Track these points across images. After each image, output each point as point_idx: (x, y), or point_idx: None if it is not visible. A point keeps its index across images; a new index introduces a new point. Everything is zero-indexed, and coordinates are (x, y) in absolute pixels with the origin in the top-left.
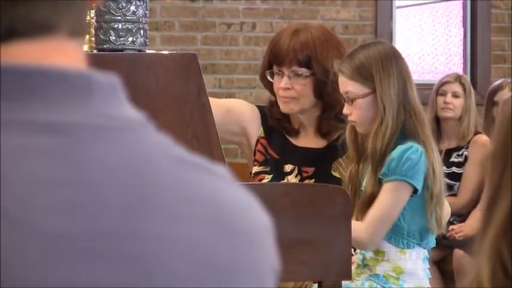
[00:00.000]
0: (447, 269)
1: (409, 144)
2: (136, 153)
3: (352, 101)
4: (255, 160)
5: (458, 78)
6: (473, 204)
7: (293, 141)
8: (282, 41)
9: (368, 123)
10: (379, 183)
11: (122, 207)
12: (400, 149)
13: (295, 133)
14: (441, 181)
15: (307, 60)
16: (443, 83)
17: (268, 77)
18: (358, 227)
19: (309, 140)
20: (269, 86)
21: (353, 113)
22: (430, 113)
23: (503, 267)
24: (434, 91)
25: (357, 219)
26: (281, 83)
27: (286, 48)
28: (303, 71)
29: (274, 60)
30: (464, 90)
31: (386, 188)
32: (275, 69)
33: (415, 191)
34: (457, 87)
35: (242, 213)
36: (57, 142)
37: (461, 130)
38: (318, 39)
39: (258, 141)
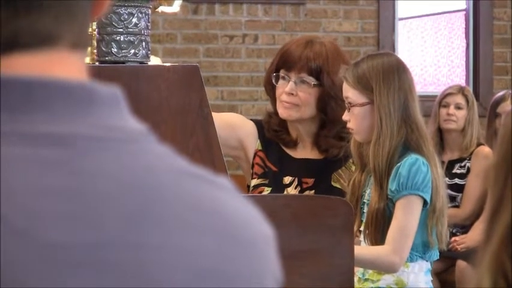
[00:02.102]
0: (448, 280)
1: (414, 157)
2: (138, 164)
3: (350, 107)
4: (253, 173)
5: (461, 90)
6: (475, 215)
7: (291, 153)
8: (295, 48)
9: (365, 132)
10: (385, 198)
11: (123, 218)
12: (406, 163)
13: (293, 144)
14: (443, 197)
15: (318, 70)
16: (446, 95)
17: (273, 80)
18: (384, 252)
19: (306, 152)
20: (271, 92)
21: (351, 119)
22: (433, 124)
23: (505, 277)
24: (437, 103)
25: (365, 234)
26: (286, 87)
27: (299, 55)
28: (311, 79)
29: (284, 64)
30: (467, 101)
31: (401, 204)
32: (282, 73)
33: (424, 204)
34: (459, 99)
35: (244, 223)
36: (59, 153)
37: (464, 142)
38: (331, 53)
39: (255, 154)
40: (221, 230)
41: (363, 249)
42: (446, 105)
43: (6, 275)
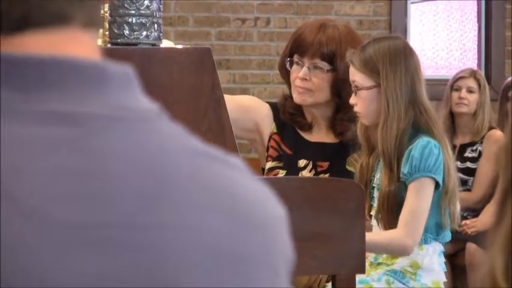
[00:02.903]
0: (458, 263)
1: (425, 139)
2: (151, 144)
3: (357, 91)
4: (268, 156)
5: (473, 74)
6: (486, 199)
7: (306, 136)
8: (308, 32)
9: (372, 115)
10: (395, 181)
11: (136, 197)
12: (418, 145)
13: (309, 128)
14: (454, 178)
15: (331, 55)
16: (458, 79)
17: (287, 65)
18: (397, 235)
19: (322, 135)
20: (286, 76)
21: (358, 103)
22: (445, 108)
23: None
24: (449, 86)
25: (377, 218)
26: (300, 73)
27: (311, 40)
28: (324, 64)
29: (297, 49)
30: (479, 85)
31: (413, 187)
32: (296, 58)
33: (436, 185)
34: (471, 83)
35: (256, 204)
36: (71, 132)
37: (476, 125)
38: (345, 37)
39: (270, 137)
40: (233, 210)
41: (375, 235)
42: (458, 89)
43: (17, 253)
